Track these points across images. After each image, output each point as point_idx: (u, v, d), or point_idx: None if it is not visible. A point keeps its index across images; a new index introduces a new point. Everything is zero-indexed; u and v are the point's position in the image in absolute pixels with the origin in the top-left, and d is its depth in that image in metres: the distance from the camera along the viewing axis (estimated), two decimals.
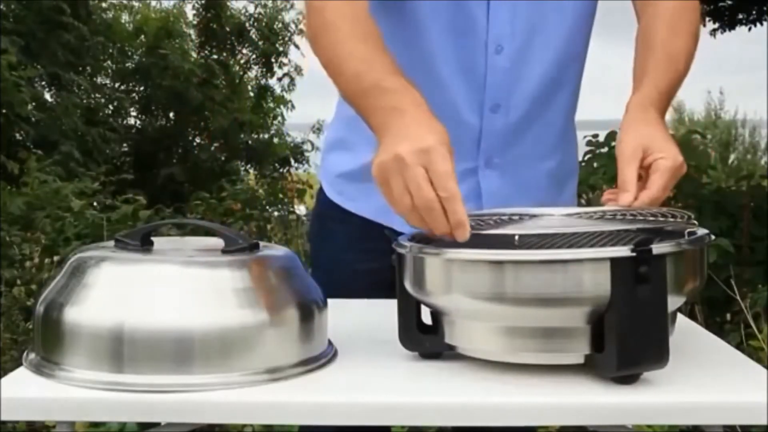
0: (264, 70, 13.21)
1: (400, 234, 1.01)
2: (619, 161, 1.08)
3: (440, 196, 0.90)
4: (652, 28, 1.24)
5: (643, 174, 1.07)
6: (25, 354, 0.95)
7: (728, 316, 3.18)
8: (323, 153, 1.44)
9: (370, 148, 1.25)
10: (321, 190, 1.44)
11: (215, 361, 0.86)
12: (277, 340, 0.90)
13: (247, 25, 12.78)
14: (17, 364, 0.95)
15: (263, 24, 12.82)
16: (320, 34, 1.14)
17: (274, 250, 0.99)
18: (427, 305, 0.96)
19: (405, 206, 0.92)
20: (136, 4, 12.61)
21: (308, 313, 0.94)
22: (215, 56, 12.58)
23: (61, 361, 0.88)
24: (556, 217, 1.02)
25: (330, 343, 1.00)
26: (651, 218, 0.97)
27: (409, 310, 0.96)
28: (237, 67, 13.20)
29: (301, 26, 12.66)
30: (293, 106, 13.23)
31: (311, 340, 0.94)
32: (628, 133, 1.10)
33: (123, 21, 12.36)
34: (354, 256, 1.35)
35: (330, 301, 1.11)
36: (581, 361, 0.87)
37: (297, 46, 13.01)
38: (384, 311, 1.04)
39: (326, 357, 0.96)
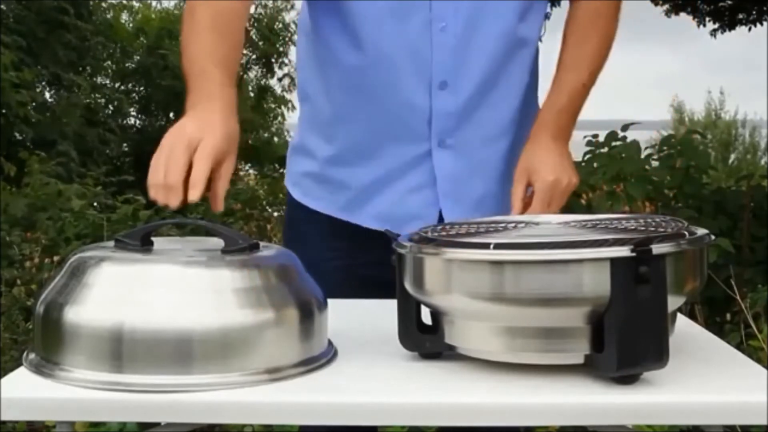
0: (264, 70, 13.21)
1: (398, 234, 1.01)
2: (513, 181, 1.29)
3: (190, 179, 1.00)
4: (566, 31, 1.36)
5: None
6: (25, 354, 0.95)
7: (728, 316, 3.18)
8: (288, 157, 1.47)
9: (325, 152, 1.34)
10: (288, 194, 1.47)
11: (215, 362, 0.86)
12: (277, 340, 0.90)
13: (247, 25, 12.76)
14: (17, 364, 0.95)
15: (263, 24, 12.82)
16: (186, 17, 1.22)
17: (274, 250, 0.99)
18: (426, 305, 0.96)
19: (156, 181, 1.01)
20: (136, 4, 12.61)
21: (308, 313, 0.94)
22: None
23: (61, 361, 0.88)
24: (553, 225, 1.02)
25: (330, 343, 1.00)
26: (645, 227, 0.97)
27: (409, 310, 0.96)
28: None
29: None
30: (293, 106, 13.23)
31: (311, 340, 0.94)
32: (521, 158, 1.30)
33: (123, 21, 12.35)
34: (327, 254, 1.36)
35: (330, 301, 1.11)
36: (581, 361, 0.87)
37: (297, 47, 12.94)
38: (384, 311, 1.04)
39: (326, 357, 0.96)
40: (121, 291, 0.88)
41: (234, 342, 0.87)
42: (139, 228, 1.00)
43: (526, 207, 1.28)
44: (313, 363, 0.93)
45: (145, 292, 0.88)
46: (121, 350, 0.85)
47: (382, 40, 1.25)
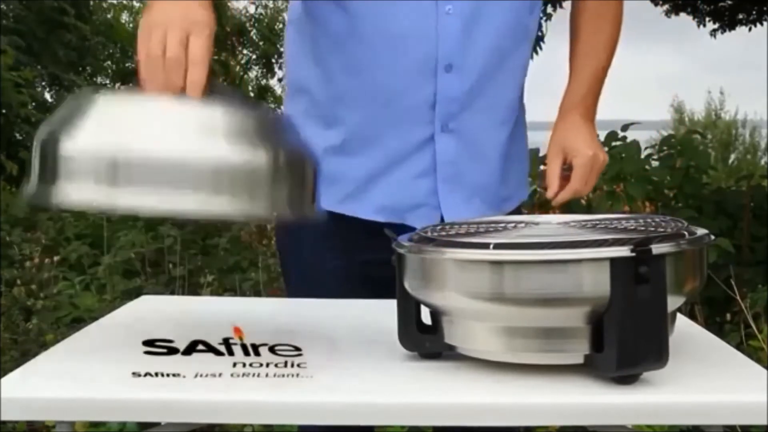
0: (264, 70, 13.20)
1: (397, 232, 1.01)
2: (547, 160, 1.31)
3: (189, 59, 0.97)
4: (578, 23, 1.40)
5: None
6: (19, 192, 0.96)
7: (728, 316, 3.18)
8: None
9: (321, 142, 1.29)
10: None
11: (206, 190, 0.86)
12: (267, 180, 0.91)
13: (247, 25, 12.77)
14: (17, 364, 0.95)
15: (263, 24, 12.82)
16: None
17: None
18: (426, 305, 0.96)
19: (153, 55, 0.98)
20: (136, 4, 12.60)
21: (300, 164, 0.95)
22: (215, 56, 12.55)
23: (60, 184, 0.88)
24: (553, 225, 1.02)
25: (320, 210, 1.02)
26: (645, 227, 0.97)
27: (408, 310, 0.96)
28: (237, 68, 13.18)
29: None
30: None
31: (302, 194, 0.96)
32: (553, 138, 1.32)
33: (123, 21, 12.35)
34: (325, 255, 1.35)
35: (329, 301, 1.12)
36: (581, 361, 0.87)
37: None
38: (384, 311, 1.04)
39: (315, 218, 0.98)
40: (118, 119, 0.89)
41: (225, 174, 0.87)
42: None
43: (563, 185, 1.28)
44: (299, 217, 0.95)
45: (142, 120, 0.89)
46: (116, 173, 0.85)
47: (387, 23, 1.25)
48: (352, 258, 1.33)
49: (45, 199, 0.90)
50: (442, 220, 1.30)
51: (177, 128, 0.89)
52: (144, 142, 0.87)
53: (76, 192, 0.86)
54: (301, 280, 1.39)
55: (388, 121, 1.29)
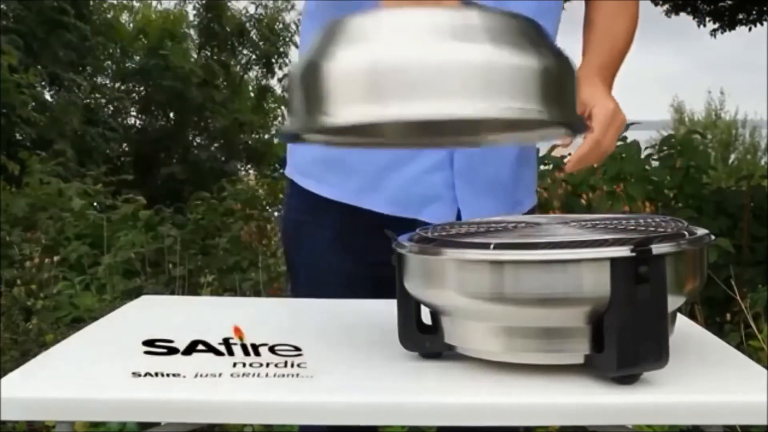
0: (264, 70, 13.21)
1: (398, 233, 1.01)
2: None
3: None
4: (595, 14, 1.37)
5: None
6: (277, 130, 0.94)
7: (728, 316, 3.18)
8: (290, 147, 1.42)
9: None
10: (291, 194, 1.42)
11: (475, 93, 0.82)
12: (536, 81, 0.84)
13: (247, 25, 12.78)
14: (17, 364, 0.95)
15: (264, 24, 12.82)
16: None
17: None
18: (426, 305, 0.96)
19: None
20: (136, 4, 12.61)
21: (564, 65, 0.88)
22: (215, 57, 12.57)
23: (324, 107, 0.86)
24: (553, 225, 1.02)
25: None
26: (645, 227, 0.97)
27: (409, 310, 0.96)
28: (237, 68, 13.19)
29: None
30: None
31: (566, 96, 0.89)
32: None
33: (123, 21, 12.35)
34: (334, 257, 1.34)
35: (330, 301, 1.11)
36: (581, 361, 0.87)
37: (297, 47, 12.96)
38: (384, 311, 1.04)
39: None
40: (375, 33, 0.86)
41: (489, 75, 0.83)
42: None
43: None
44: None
45: (397, 33, 0.85)
46: (381, 84, 0.83)
47: None
48: (362, 259, 1.32)
49: (313, 127, 0.89)
50: (458, 218, 1.29)
51: (438, 34, 0.85)
52: (407, 50, 0.84)
53: (348, 111, 0.84)
54: (309, 280, 1.37)
55: None
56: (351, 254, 1.32)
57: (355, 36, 0.87)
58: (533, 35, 0.88)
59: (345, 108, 0.84)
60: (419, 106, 0.82)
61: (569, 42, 1.38)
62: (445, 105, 0.82)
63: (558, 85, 0.87)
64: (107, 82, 11.96)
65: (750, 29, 6.88)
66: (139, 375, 0.90)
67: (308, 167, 1.38)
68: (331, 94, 0.85)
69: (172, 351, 0.99)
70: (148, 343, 1.01)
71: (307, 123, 0.88)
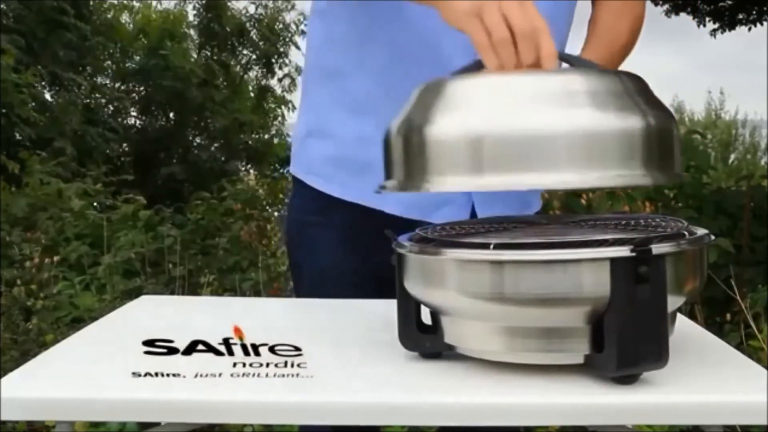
0: (264, 70, 13.21)
1: (398, 234, 1.01)
2: None
3: (535, 27, 0.94)
4: (599, 12, 1.35)
5: None
6: (381, 186, 0.96)
7: (728, 316, 3.18)
8: (298, 147, 1.41)
9: (353, 129, 1.28)
10: (295, 194, 1.41)
11: (578, 162, 0.83)
12: (641, 146, 0.85)
13: (247, 25, 12.78)
14: (17, 364, 0.95)
15: (264, 24, 12.82)
16: None
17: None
18: (426, 305, 0.96)
19: (499, 37, 0.94)
20: (136, 4, 12.60)
21: (667, 126, 0.88)
22: (215, 57, 12.57)
23: (426, 173, 0.88)
24: (553, 225, 1.02)
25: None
26: (645, 227, 0.97)
27: (409, 310, 0.96)
28: (237, 68, 13.19)
29: (302, 27, 12.68)
30: (294, 107, 13.23)
31: (671, 157, 0.89)
32: None
33: (123, 21, 12.35)
34: (341, 257, 1.33)
35: (330, 301, 1.11)
36: (581, 361, 0.87)
37: (298, 47, 12.99)
38: (384, 311, 1.04)
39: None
40: (475, 101, 0.87)
41: (597, 142, 0.83)
42: (472, 63, 0.99)
43: None
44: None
45: (499, 99, 0.86)
46: (483, 154, 0.84)
47: (428, 18, 1.20)
48: (367, 259, 1.31)
49: (414, 191, 0.90)
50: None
51: (540, 100, 0.85)
52: (508, 119, 0.84)
53: (450, 181, 0.86)
54: (314, 281, 1.36)
55: None
56: (357, 254, 1.32)
57: (456, 102, 0.88)
58: (633, 92, 0.88)
59: (447, 178, 0.86)
60: (522, 177, 0.83)
61: (570, 41, 1.38)
62: (548, 176, 0.83)
63: (661, 144, 0.88)
64: (107, 82, 11.96)
65: (750, 29, 6.88)
66: (139, 375, 0.90)
67: (317, 166, 1.37)
68: (433, 162, 0.87)
69: (172, 351, 0.99)
70: (148, 343, 1.01)
71: (407, 186, 0.90)
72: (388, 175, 0.95)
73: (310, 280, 1.37)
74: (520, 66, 0.94)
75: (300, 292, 1.40)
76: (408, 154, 0.90)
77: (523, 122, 0.83)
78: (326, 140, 1.35)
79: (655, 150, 0.86)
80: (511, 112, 0.85)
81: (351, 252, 1.32)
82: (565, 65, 1.00)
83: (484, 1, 0.96)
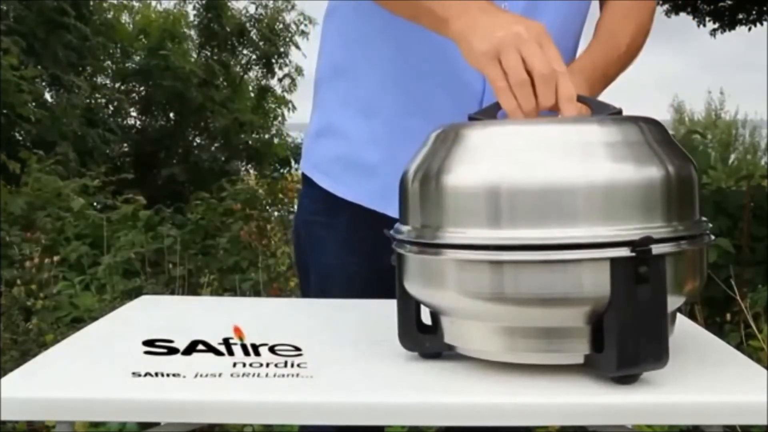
0: (264, 70, 13.20)
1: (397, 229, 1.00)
2: None
3: (554, 69, 0.93)
4: (605, 18, 1.31)
5: None
6: (395, 230, 0.95)
7: (728, 316, 3.18)
8: (308, 144, 1.40)
9: (361, 130, 1.27)
10: (304, 193, 1.41)
11: (598, 215, 0.82)
12: (661, 197, 0.85)
13: (247, 25, 12.77)
14: (17, 364, 0.95)
15: (264, 24, 12.81)
16: None
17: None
18: (426, 305, 0.96)
19: (516, 80, 0.93)
20: (136, 4, 12.60)
21: (688, 175, 0.88)
22: (215, 57, 12.57)
23: (441, 224, 0.88)
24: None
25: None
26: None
27: (408, 310, 0.96)
28: (237, 68, 13.18)
29: (302, 27, 12.68)
30: (294, 107, 13.23)
31: (692, 206, 0.89)
32: None
33: (123, 21, 12.35)
34: (347, 259, 1.33)
35: (330, 301, 1.11)
36: (581, 361, 0.87)
37: (298, 47, 12.98)
38: (384, 311, 1.04)
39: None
40: (492, 151, 0.86)
41: (616, 195, 0.83)
42: (490, 105, 0.97)
43: None
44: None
45: (518, 150, 0.85)
46: (499, 207, 0.84)
47: None
48: (372, 260, 1.30)
49: (429, 239, 0.89)
50: None
51: (559, 151, 0.84)
52: (525, 172, 0.84)
53: (467, 233, 0.86)
54: (320, 281, 1.36)
55: (431, 113, 1.22)
56: (362, 255, 1.31)
57: (474, 152, 0.88)
58: (652, 140, 0.88)
59: (464, 230, 0.86)
60: (539, 231, 0.83)
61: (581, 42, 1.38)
62: (566, 231, 0.82)
63: (681, 192, 0.87)
64: (107, 82, 11.96)
65: (750, 29, 6.88)
66: (139, 375, 0.90)
67: (327, 165, 1.36)
68: (450, 212, 0.87)
69: (172, 351, 0.99)
70: (148, 343, 1.01)
71: (423, 235, 0.90)
72: (404, 220, 0.95)
73: (316, 280, 1.37)
74: (538, 109, 0.94)
75: (306, 292, 1.39)
76: (424, 202, 0.90)
77: (542, 175, 0.83)
78: (334, 139, 1.35)
79: (675, 200, 0.86)
80: (528, 166, 0.84)
81: (357, 253, 1.32)
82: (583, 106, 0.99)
83: (503, 42, 0.95)
